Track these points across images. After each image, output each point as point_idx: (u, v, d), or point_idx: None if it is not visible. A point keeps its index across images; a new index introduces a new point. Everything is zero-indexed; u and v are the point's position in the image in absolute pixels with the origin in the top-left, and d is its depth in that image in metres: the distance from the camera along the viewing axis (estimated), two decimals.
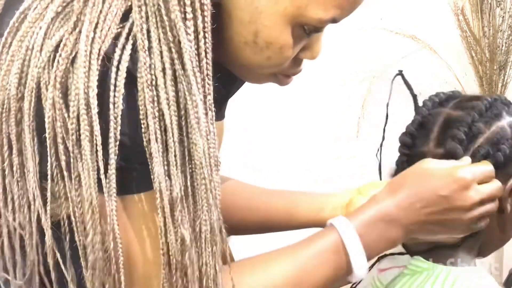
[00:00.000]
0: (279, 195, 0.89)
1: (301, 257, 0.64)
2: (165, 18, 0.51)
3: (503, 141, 0.75)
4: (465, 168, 0.67)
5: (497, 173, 0.72)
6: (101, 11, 0.52)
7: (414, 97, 0.86)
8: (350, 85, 1.97)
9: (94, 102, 0.50)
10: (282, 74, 0.65)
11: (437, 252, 0.77)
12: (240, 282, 0.58)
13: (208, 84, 0.54)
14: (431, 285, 0.74)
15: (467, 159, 0.71)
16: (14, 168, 0.53)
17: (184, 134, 0.52)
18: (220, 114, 0.77)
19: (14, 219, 0.54)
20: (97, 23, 0.52)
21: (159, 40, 0.51)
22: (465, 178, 0.66)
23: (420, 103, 0.82)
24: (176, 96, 0.52)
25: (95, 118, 0.50)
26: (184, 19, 0.52)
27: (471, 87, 1.85)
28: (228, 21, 0.58)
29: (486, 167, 0.69)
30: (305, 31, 0.59)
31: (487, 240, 0.78)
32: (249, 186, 0.92)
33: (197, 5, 0.52)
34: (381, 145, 0.89)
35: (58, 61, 0.51)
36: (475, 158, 0.73)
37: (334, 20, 0.59)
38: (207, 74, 0.54)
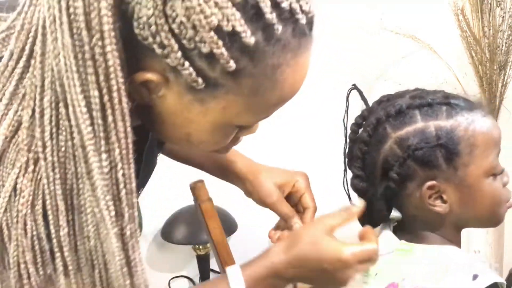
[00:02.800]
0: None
1: None
2: (80, 150, 0.51)
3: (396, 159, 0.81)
4: (351, 249, 0.72)
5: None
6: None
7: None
8: (350, 85, 1.97)
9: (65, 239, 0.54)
10: (222, 148, 0.66)
11: (416, 234, 0.87)
12: None
13: (129, 213, 0.54)
14: (410, 263, 0.83)
15: (361, 202, 0.79)
16: None
17: None
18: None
19: None
20: (53, 163, 0.52)
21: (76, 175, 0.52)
22: (348, 260, 0.71)
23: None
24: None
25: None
26: (99, 151, 0.50)
27: (471, 87, 1.85)
28: (160, 121, 0.58)
29: (369, 248, 0.74)
30: (238, 127, 0.61)
31: (458, 220, 0.85)
32: None
33: (113, 138, 0.50)
34: (345, 153, 0.93)
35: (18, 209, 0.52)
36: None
37: (266, 117, 0.60)
38: (128, 204, 0.53)
